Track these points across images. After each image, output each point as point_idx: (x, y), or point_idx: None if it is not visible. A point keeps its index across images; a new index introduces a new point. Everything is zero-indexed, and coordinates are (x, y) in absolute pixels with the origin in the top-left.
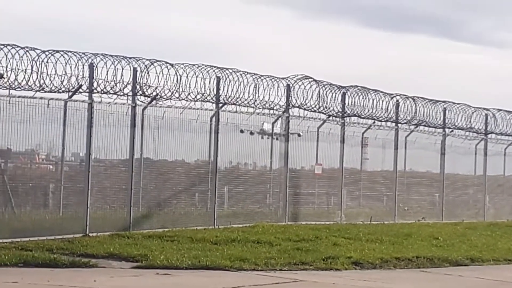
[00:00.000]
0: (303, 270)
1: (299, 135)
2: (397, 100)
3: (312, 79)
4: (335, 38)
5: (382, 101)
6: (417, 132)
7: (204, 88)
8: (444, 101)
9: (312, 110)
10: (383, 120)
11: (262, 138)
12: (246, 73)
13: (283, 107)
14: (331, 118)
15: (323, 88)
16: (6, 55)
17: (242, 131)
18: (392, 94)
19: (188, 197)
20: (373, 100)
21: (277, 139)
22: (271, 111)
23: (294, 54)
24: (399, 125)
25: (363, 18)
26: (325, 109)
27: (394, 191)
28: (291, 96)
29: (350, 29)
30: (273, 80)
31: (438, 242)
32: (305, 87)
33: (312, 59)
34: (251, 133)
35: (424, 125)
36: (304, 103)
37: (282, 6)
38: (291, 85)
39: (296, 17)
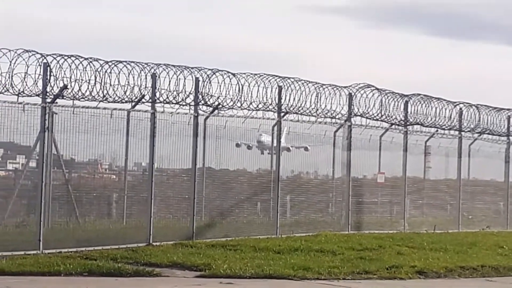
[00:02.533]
0: (366, 279)
1: (306, 149)
2: (461, 108)
3: (374, 88)
4: (398, 47)
5: (445, 109)
6: (480, 140)
7: (266, 98)
8: (508, 109)
9: (375, 118)
10: (446, 128)
11: (263, 153)
12: (308, 82)
13: (345, 116)
14: (393, 126)
15: (386, 96)
16: (70, 66)
17: (238, 145)
18: (455, 102)
19: (250, 206)
20: (436, 108)
21: (271, 151)
22: (333, 120)
23: (357, 63)
24: (463, 133)
25: (428, 27)
26: (388, 118)
27: (458, 200)
28: (353, 105)
29: (414, 38)
30: (335, 89)
31: (503, 251)
32: (367, 95)
33: (374, 68)
34: (249, 147)
35: (488, 133)
36: (366, 112)
37: (346, 15)
38: (353, 93)
39: (359, 26)
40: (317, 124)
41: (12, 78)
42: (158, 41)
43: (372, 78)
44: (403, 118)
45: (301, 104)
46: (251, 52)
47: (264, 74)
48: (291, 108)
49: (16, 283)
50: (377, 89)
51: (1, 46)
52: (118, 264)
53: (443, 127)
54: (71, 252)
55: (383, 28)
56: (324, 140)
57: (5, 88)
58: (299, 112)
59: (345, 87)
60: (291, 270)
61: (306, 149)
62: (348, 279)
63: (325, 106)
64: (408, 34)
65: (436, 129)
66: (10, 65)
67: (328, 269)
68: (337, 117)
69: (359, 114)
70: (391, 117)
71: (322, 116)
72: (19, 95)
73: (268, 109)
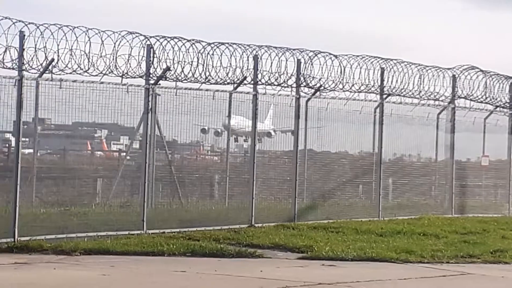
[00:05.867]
0: (470, 263)
1: (293, 133)
2: None
3: (478, 69)
4: (503, 27)
5: None
6: None
7: (368, 79)
8: None
9: (479, 101)
10: None
11: (236, 140)
12: (410, 64)
13: (449, 98)
14: (498, 109)
15: (490, 78)
16: (173, 48)
17: (204, 131)
18: None
19: (352, 189)
20: None
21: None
22: (436, 102)
23: (461, 44)
24: None
25: None
26: (492, 100)
27: None
28: (457, 87)
29: None
30: (438, 70)
31: None
32: (471, 77)
33: (479, 49)
34: (217, 134)
35: None
36: (470, 94)
37: None
38: (457, 75)
39: (465, 8)
40: (420, 106)
41: (116, 60)
42: (260, 22)
43: (476, 60)
44: (508, 101)
45: (403, 86)
46: (353, 34)
47: (366, 55)
48: (394, 90)
49: (121, 262)
50: (481, 70)
51: (105, 28)
52: (221, 245)
53: None
54: (174, 232)
55: (487, 8)
56: (427, 122)
57: (109, 70)
58: (402, 94)
59: (448, 68)
60: (394, 253)
61: (293, 133)
62: (452, 263)
63: (428, 88)
64: None
65: None
66: (114, 47)
67: (431, 253)
68: (440, 99)
69: (463, 96)
70: (496, 99)
71: (425, 98)
72: (123, 76)
73: (370, 91)
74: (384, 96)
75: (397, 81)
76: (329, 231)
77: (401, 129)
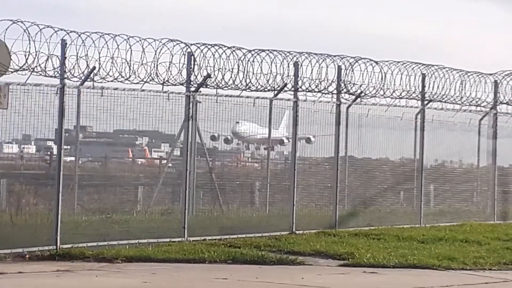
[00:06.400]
0: None
1: (308, 140)
2: None
3: None
4: None
5: None
6: None
7: (409, 85)
8: None
9: None
10: None
11: (248, 148)
12: (452, 70)
13: (491, 103)
14: None
15: None
16: (214, 55)
17: (214, 138)
18: None
19: (393, 195)
20: None
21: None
22: (478, 108)
23: (503, 50)
24: None
25: None
26: None
27: None
28: (499, 93)
29: None
30: (480, 76)
31: None
32: None
33: None
34: (226, 141)
35: None
36: None
37: (496, 2)
38: (499, 81)
39: (506, 11)
40: (462, 112)
41: (157, 68)
42: (300, 29)
43: None
44: None
45: (445, 92)
46: (394, 39)
47: (407, 61)
48: (435, 96)
49: (162, 269)
50: None
51: (146, 35)
52: (262, 252)
53: None
54: (215, 239)
55: None
56: (469, 128)
57: (150, 77)
58: (443, 100)
59: (490, 74)
60: (436, 260)
61: (308, 140)
62: (494, 270)
63: (470, 94)
64: None
65: None
66: (155, 54)
67: (473, 260)
68: (482, 105)
69: (505, 102)
70: None
71: (467, 104)
72: (164, 84)
73: (411, 97)
74: (425, 102)
75: (438, 87)
76: (371, 238)
77: (442, 135)
